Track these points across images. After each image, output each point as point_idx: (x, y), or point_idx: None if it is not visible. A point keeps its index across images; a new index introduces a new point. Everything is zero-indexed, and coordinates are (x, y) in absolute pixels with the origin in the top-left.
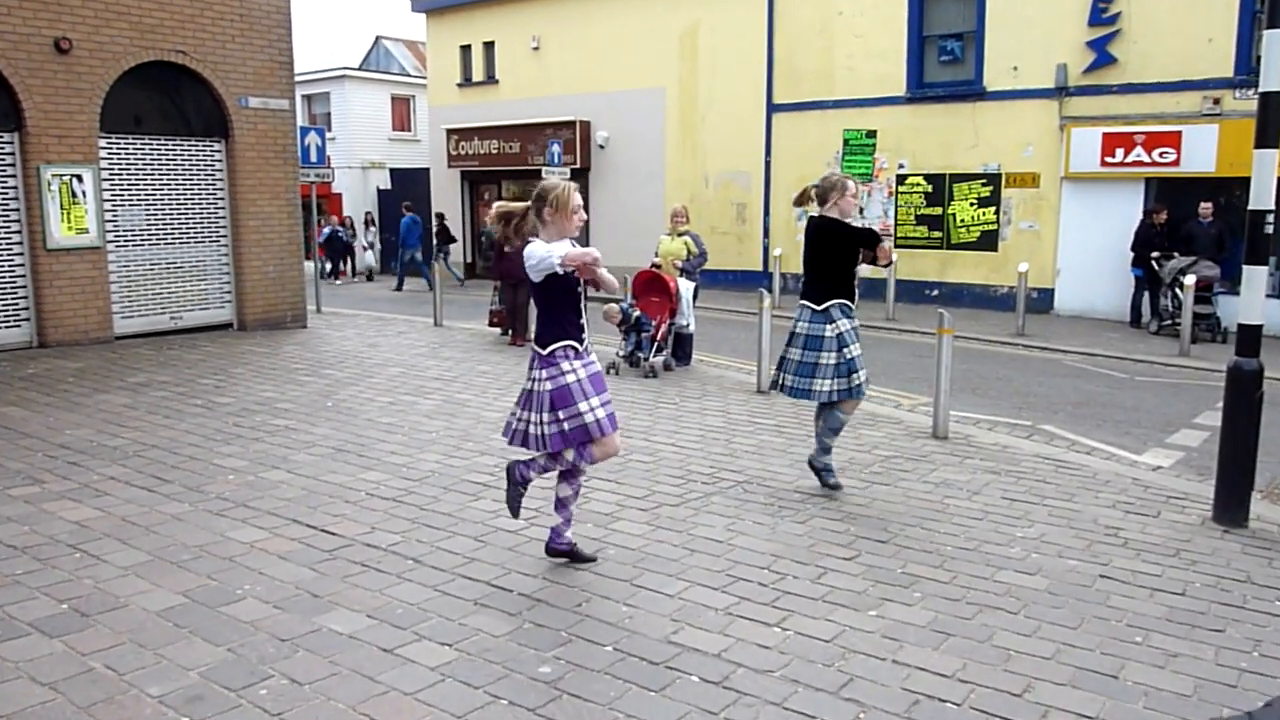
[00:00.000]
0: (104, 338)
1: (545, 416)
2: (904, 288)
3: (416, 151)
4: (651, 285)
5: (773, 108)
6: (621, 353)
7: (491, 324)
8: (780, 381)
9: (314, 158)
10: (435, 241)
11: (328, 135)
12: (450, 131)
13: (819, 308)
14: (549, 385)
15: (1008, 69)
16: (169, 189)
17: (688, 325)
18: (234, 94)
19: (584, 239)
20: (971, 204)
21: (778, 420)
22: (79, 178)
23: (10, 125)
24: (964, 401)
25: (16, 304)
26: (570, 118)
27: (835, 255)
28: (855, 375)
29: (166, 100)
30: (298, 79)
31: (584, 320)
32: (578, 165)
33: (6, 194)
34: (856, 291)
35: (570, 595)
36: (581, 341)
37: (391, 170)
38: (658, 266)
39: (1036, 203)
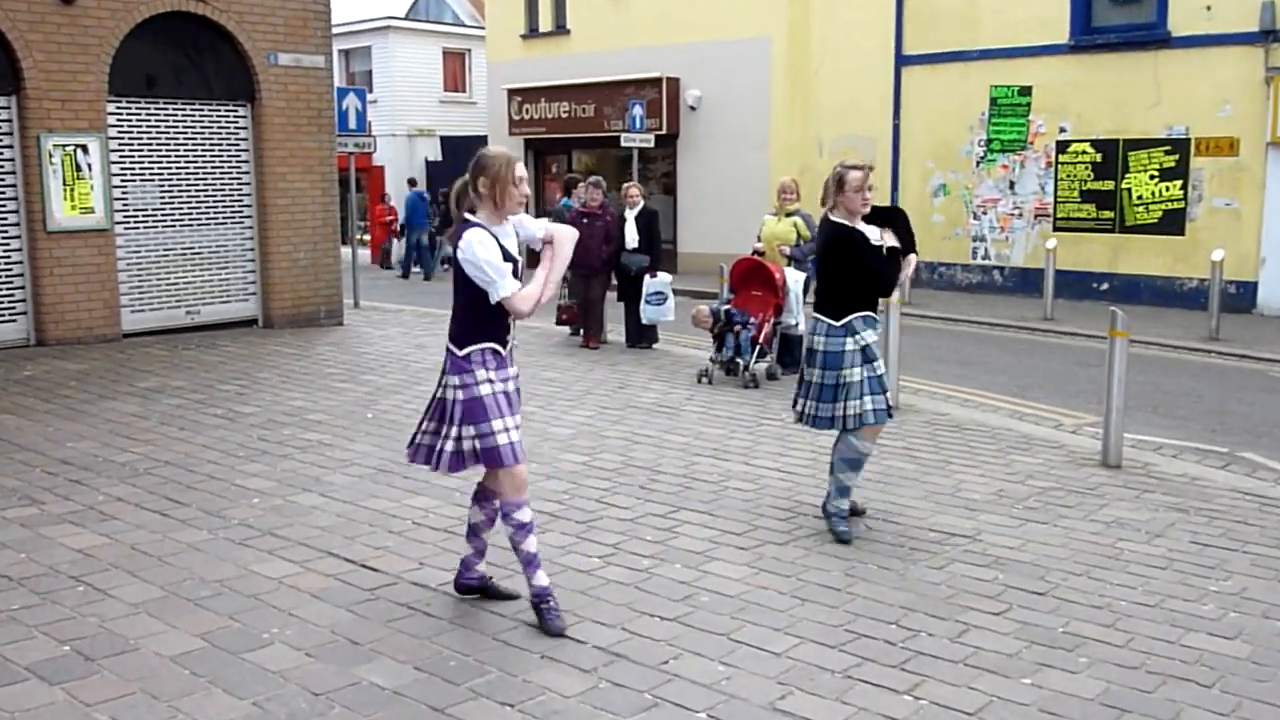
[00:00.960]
0: (110, 335)
1: (452, 431)
2: (1065, 280)
3: (472, 116)
4: (753, 276)
5: (902, 60)
6: (717, 359)
7: (560, 321)
8: (801, 410)
9: (353, 124)
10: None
11: (369, 97)
12: (512, 92)
13: (838, 323)
14: (460, 395)
15: (1199, 8)
16: (186, 161)
17: (796, 325)
18: (261, 50)
19: (669, 219)
20: (1151, 177)
21: (907, 442)
22: (84, 148)
23: (7, 88)
24: (1142, 422)
25: (11, 295)
26: (655, 74)
27: (850, 268)
28: (884, 396)
29: (184, 58)
30: (334, 31)
31: (511, 321)
32: (663, 130)
33: (2, 167)
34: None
35: (654, 650)
36: (505, 344)
37: (443, 139)
38: (761, 253)
39: (1235, 175)
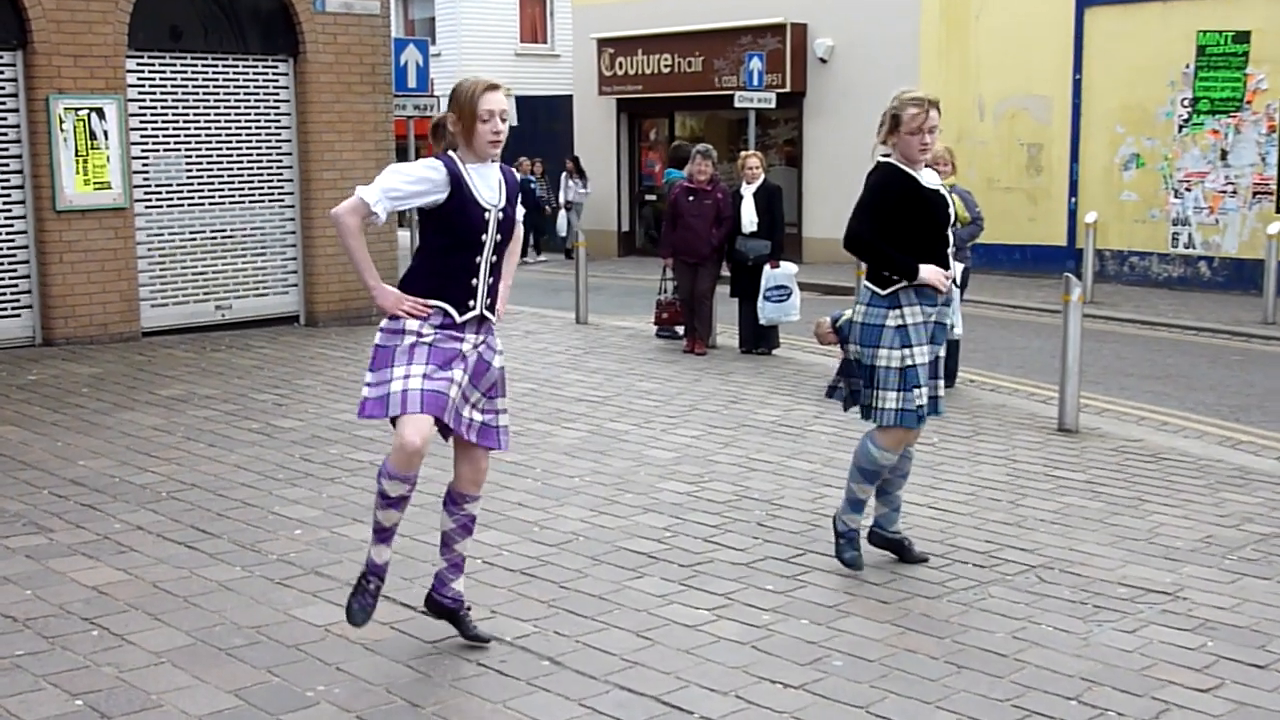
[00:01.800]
0: (128, 333)
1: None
2: None
3: (555, 72)
4: None
5: (1085, 1)
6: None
7: (659, 321)
8: (833, 388)
9: (413, 82)
10: (563, 190)
11: (431, 50)
12: (603, 43)
13: (883, 291)
14: (377, 339)
15: None
16: (218, 128)
17: (953, 327)
18: None
19: (793, 197)
20: None
21: (1090, 474)
22: (100, 113)
23: (11, 41)
24: None
25: (15, 286)
26: (778, 19)
27: (900, 224)
28: (917, 393)
29: (215, 6)
30: None
31: (479, 283)
32: (787, 88)
33: (5, 135)
34: (951, 262)
35: None
36: (464, 309)
37: (519, 99)
38: None
39: None
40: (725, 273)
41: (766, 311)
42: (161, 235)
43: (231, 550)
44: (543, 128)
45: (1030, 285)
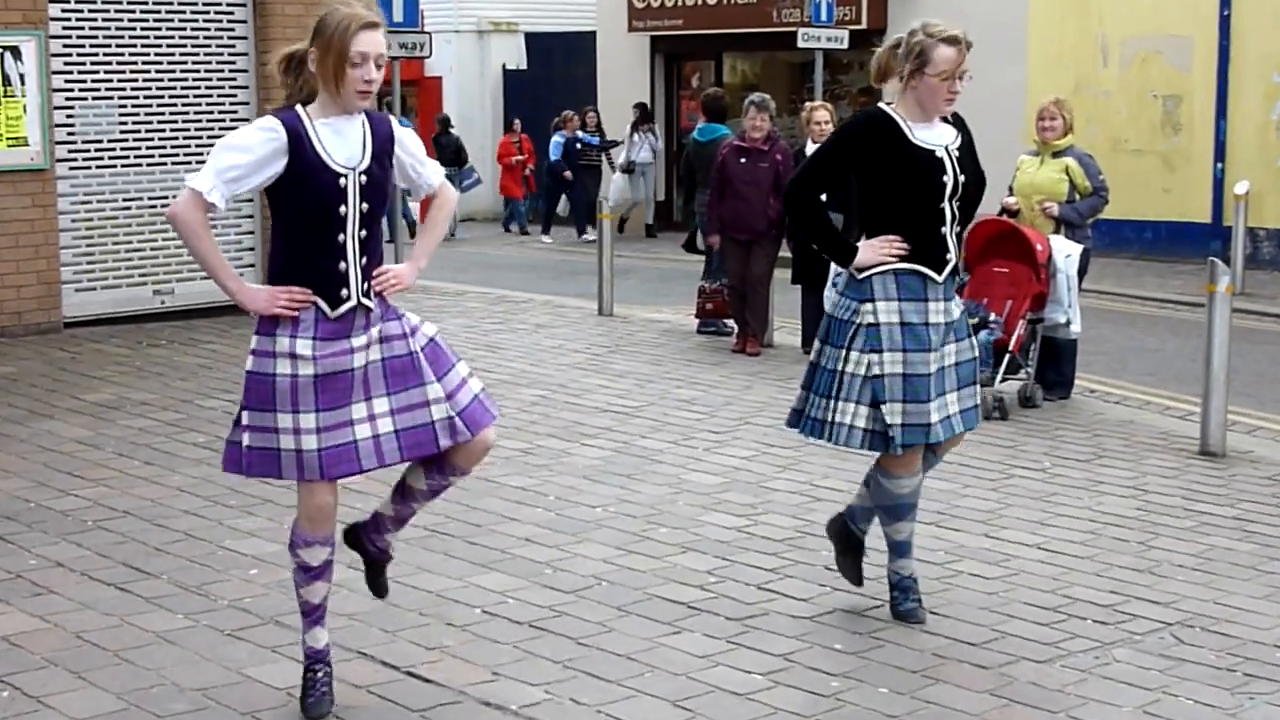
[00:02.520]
0: (47, 324)
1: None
2: None
3: (573, 4)
4: (1000, 247)
5: None
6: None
7: (702, 313)
8: (797, 404)
9: (399, 15)
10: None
11: None
12: None
13: (859, 275)
14: (249, 364)
15: None
16: (159, 72)
17: (1069, 324)
18: None
19: None
20: None
21: (1240, 509)
22: (14, 52)
23: None
24: None
25: None
26: None
27: (880, 187)
28: (890, 408)
29: None
30: None
31: (349, 266)
32: (862, 24)
33: None
34: (952, 250)
35: None
36: (336, 301)
37: (529, 37)
38: (1014, 212)
39: None
40: (785, 254)
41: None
42: (89, 204)
43: (172, 593)
44: (559, 72)
45: (1165, 271)
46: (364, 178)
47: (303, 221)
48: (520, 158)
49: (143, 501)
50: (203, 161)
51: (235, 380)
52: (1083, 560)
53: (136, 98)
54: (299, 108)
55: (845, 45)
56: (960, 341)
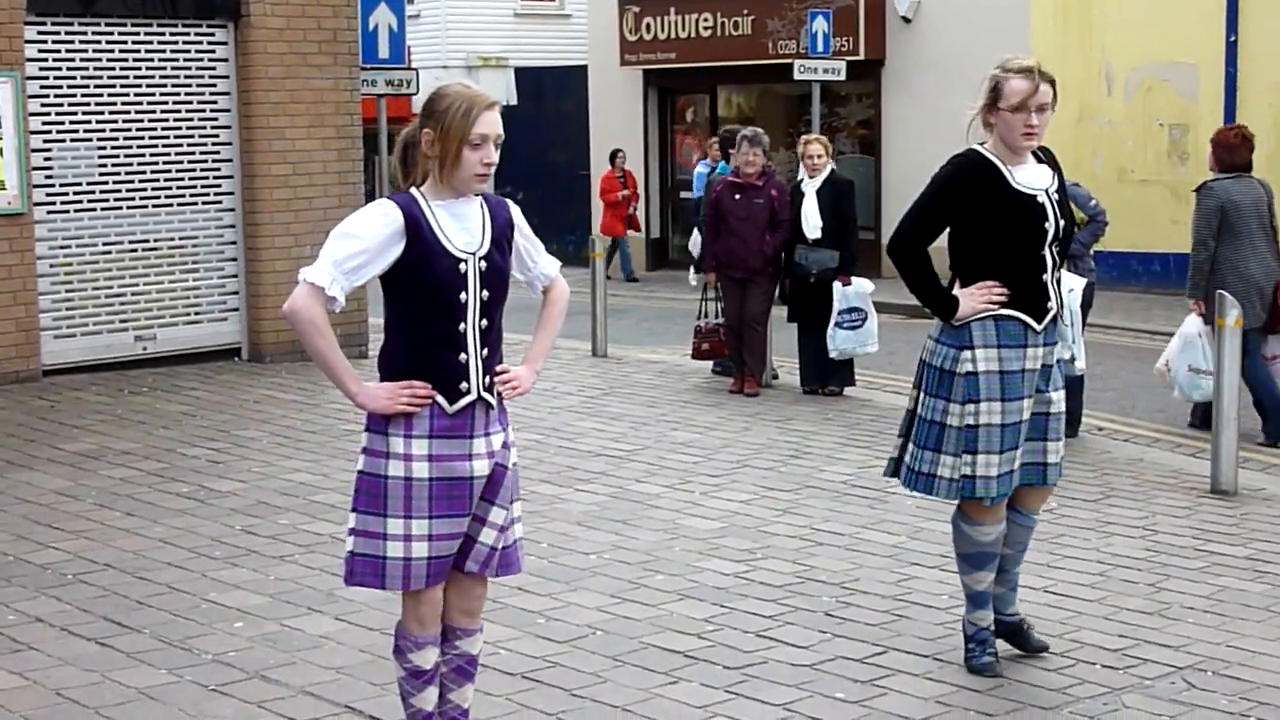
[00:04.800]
0: (26, 372)
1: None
2: None
3: (564, 37)
4: None
5: None
6: None
7: (700, 353)
8: (894, 455)
9: (385, 52)
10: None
11: (408, 10)
12: (625, 1)
13: (958, 322)
14: (360, 464)
15: None
16: (139, 112)
17: (1073, 360)
18: None
19: (868, 194)
20: None
21: (1253, 548)
22: None
23: None
24: None
25: None
26: None
27: (979, 233)
28: (986, 459)
29: None
30: None
31: (469, 357)
32: (860, 55)
33: None
34: (1053, 298)
35: None
36: (454, 394)
37: (519, 72)
38: None
39: None
40: (784, 291)
41: (837, 341)
42: (68, 248)
43: (155, 648)
44: (550, 107)
45: (1174, 305)
46: (484, 263)
47: (421, 310)
48: (625, 193)
49: (124, 554)
50: (185, 202)
51: (220, 428)
52: (1091, 603)
53: (116, 139)
54: (414, 190)
55: (842, 77)
56: (1059, 391)
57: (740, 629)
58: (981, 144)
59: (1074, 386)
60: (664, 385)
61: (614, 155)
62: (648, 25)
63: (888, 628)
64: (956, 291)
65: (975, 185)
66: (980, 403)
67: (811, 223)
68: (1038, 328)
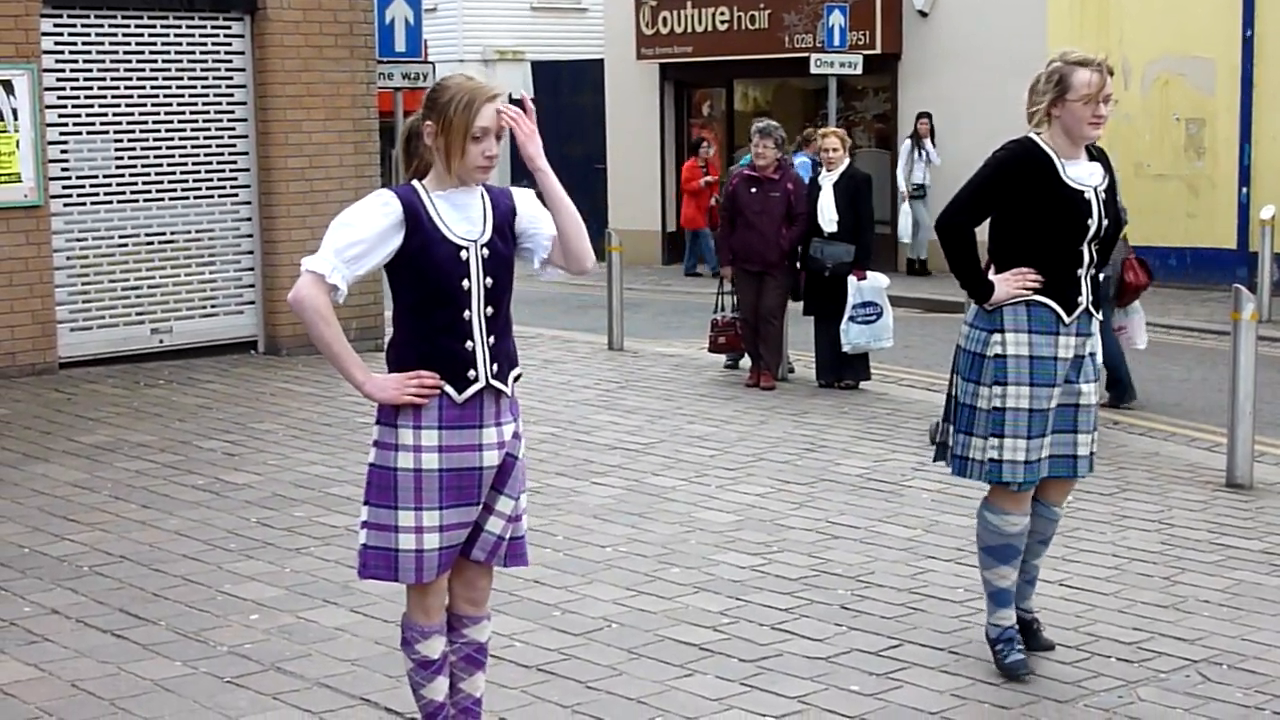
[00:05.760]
0: (43, 364)
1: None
2: None
3: (580, 31)
4: None
5: None
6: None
7: (716, 346)
8: (935, 432)
9: (401, 45)
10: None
11: (425, 5)
12: None
13: (990, 306)
14: (371, 456)
15: None
16: (155, 105)
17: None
18: None
19: (885, 187)
20: None
21: (1269, 542)
22: (7, 87)
23: None
24: None
25: None
26: None
27: (1025, 223)
28: (1013, 443)
29: None
30: None
31: (476, 345)
32: (877, 49)
33: None
34: (1084, 294)
35: None
36: (463, 385)
37: (536, 65)
38: None
39: None
40: (800, 285)
41: (852, 335)
42: (85, 240)
43: (170, 640)
44: (566, 101)
45: (1190, 299)
46: (486, 251)
47: (425, 299)
48: (710, 179)
49: (140, 546)
50: (202, 195)
51: (235, 421)
52: (1106, 597)
53: (132, 131)
54: (415, 182)
55: (859, 70)
56: (1092, 382)
57: (756, 622)
58: (1037, 134)
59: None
60: (680, 379)
61: (697, 144)
62: (664, 19)
63: (903, 621)
64: (992, 276)
65: (1027, 173)
66: (1008, 385)
67: (827, 217)
68: (1067, 320)
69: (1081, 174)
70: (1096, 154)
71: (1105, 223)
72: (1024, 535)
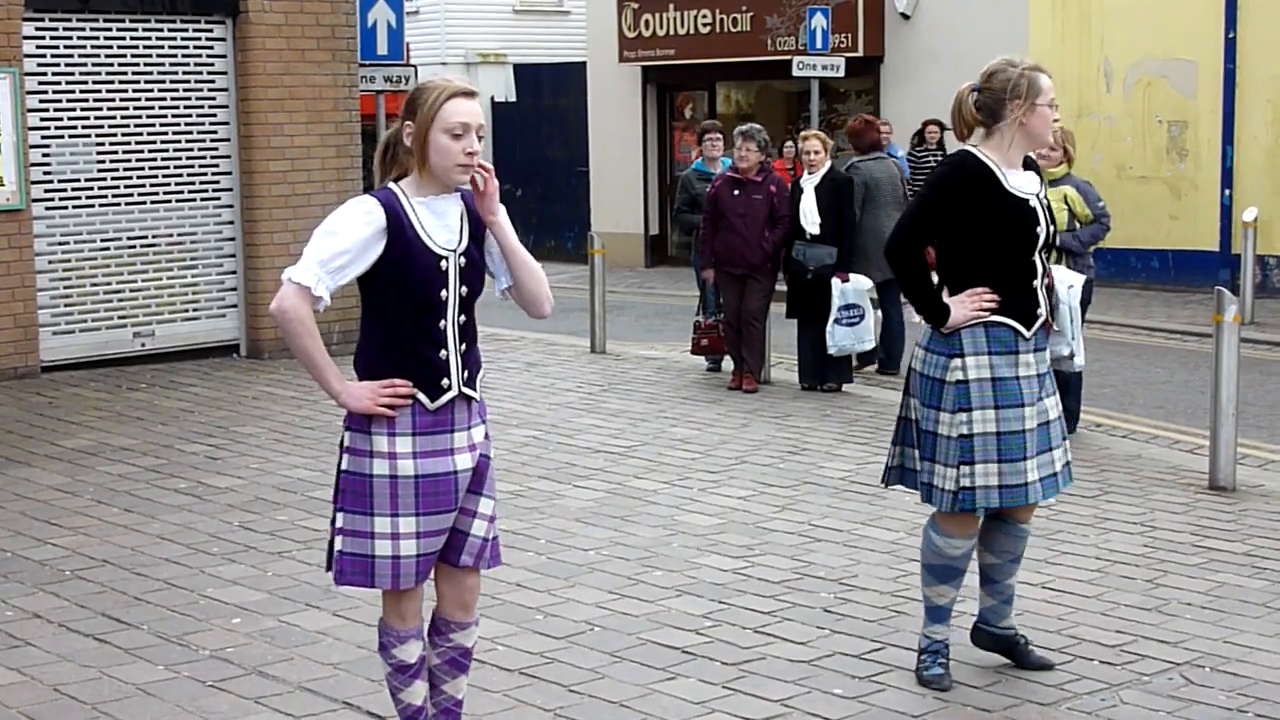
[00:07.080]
0: (24, 368)
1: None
2: None
3: (563, 33)
4: None
5: None
6: None
7: (698, 349)
8: (890, 460)
9: (384, 48)
10: None
11: (407, 8)
12: None
13: (948, 329)
14: (344, 463)
15: None
16: (137, 109)
17: (1072, 356)
18: None
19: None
20: None
21: (1251, 545)
22: None
23: None
24: None
25: None
26: None
27: (973, 238)
28: (984, 469)
29: None
30: None
31: (449, 354)
32: (859, 52)
33: None
34: (1042, 305)
35: None
36: (436, 393)
37: (518, 68)
38: None
39: None
40: (781, 287)
41: (836, 337)
42: (67, 244)
43: (153, 644)
44: (548, 104)
45: (1172, 301)
46: (463, 259)
47: (402, 309)
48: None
49: (122, 550)
50: (184, 199)
51: (218, 424)
52: (1089, 599)
53: (115, 135)
54: (393, 185)
55: (841, 73)
56: (1052, 396)
57: (738, 625)
58: (974, 146)
59: (1073, 383)
60: (663, 381)
61: (781, 148)
62: (646, 22)
63: (886, 624)
64: (947, 299)
65: (971, 187)
66: (973, 411)
67: (810, 220)
68: (1027, 334)
69: (1022, 183)
70: (1029, 163)
71: (1052, 229)
72: (968, 558)
